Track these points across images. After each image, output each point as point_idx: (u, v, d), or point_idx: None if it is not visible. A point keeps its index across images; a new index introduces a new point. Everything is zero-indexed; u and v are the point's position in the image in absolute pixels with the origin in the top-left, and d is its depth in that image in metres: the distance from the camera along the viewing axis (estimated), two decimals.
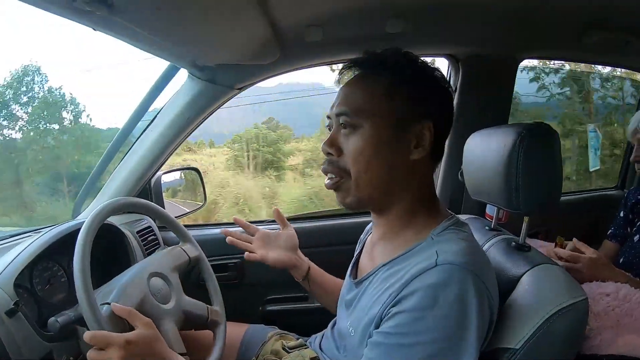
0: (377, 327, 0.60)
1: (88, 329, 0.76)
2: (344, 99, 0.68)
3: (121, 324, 0.70)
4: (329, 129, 0.71)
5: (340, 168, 0.67)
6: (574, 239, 1.06)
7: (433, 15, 1.03)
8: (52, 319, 0.75)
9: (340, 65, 0.74)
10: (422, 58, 0.70)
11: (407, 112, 0.64)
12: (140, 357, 0.64)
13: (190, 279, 1.21)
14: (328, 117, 0.71)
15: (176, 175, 1.43)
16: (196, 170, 1.42)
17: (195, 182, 1.41)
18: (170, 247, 0.96)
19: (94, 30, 0.78)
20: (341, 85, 0.71)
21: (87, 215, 1.18)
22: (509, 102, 1.27)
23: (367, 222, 0.91)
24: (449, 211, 0.71)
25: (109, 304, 0.71)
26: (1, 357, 0.69)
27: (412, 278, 0.57)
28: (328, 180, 0.70)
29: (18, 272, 0.80)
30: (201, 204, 1.40)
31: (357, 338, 0.66)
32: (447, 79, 1.26)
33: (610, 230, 1.32)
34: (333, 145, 0.68)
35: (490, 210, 1.23)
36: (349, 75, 0.72)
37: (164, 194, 1.29)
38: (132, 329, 0.68)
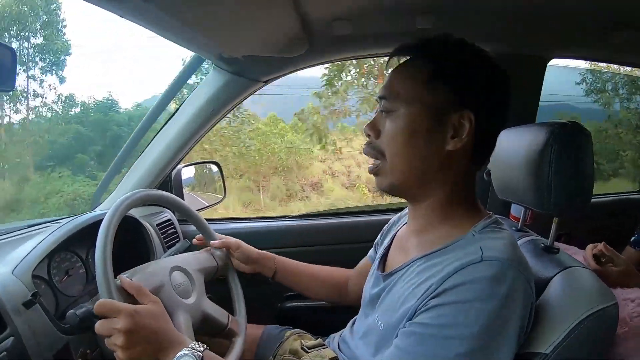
0: (410, 318, 0.59)
1: None
2: (388, 83, 0.67)
3: (131, 300, 0.68)
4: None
5: (377, 149, 0.67)
6: (604, 244, 1.03)
7: (463, 12, 1.00)
8: (71, 311, 0.72)
9: None
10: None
11: (446, 100, 0.62)
12: (145, 330, 0.62)
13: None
14: (375, 99, 0.71)
15: (194, 169, 1.41)
16: (217, 164, 1.41)
17: (215, 175, 1.39)
18: (200, 250, 0.93)
19: (121, 17, 0.75)
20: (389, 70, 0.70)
21: (106, 207, 1.18)
22: (537, 101, 1.24)
23: (382, 221, 0.91)
24: (488, 211, 0.68)
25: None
26: (18, 349, 0.67)
27: (455, 271, 0.55)
28: (370, 165, 0.70)
29: (36, 262, 0.79)
30: (221, 197, 1.38)
31: (389, 332, 0.63)
32: None
33: (634, 237, 1.29)
34: (373, 127, 0.68)
35: (515, 211, 1.20)
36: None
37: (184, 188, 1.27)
38: None
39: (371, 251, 0.94)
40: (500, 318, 0.53)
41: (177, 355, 0.61)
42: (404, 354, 0.57)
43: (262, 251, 0.98)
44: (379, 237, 0.91)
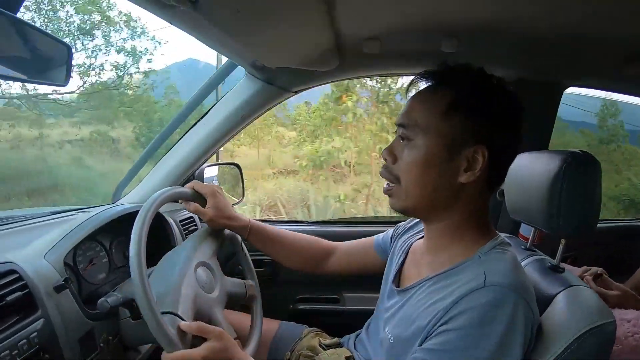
0: (422, 342, 0.60)
1: (130, 312, 0.77)
2: (407, 110, 0.67)
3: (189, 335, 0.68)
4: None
5: (393, 175, 0.68)
6: (602, 273, 1.06)
7: (486, 38, 1.01)
8: (102, 299, 0.74)
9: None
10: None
11: (461, 134, 0.62)
12: None
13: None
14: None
15: (216, 169, 1.43)
16: (237, 165, 1.41)
17: (235, 176, 1.40)
18: (202, 230, 0.92)
19: (170, 23, 0.78)
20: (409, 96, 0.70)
21: (131, 200, 1.20)
22: (551, 128, 1.25)
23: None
24: (496, 231, 0.70)
25: (172, 314, 0.68)
26: (47, 331, 0.68)
27: (461, 297, 0.57)
28: (385, 185, 0.71)
29: (67, 250, 0.80)
30: (239, 199, 1.39)
31: (400, 347, 0.65)
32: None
33: None
34: (391, 153, 0.69)
35: (524, 231, 1.21)
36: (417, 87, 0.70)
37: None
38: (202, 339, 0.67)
39: (381, 240, 0.93)
40: (504, 342, 0.54)
41: None
42: None
43: (240, 218, 0.92)
44: (393, 231, 0.91)
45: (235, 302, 0.89)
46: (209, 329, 0.67)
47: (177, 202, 0.98)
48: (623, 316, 0.92)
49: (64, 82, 0.65)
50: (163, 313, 0.66)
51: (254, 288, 0.93)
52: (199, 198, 0.88)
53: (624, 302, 0.99)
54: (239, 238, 0.96)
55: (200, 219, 1.23)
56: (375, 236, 0.95)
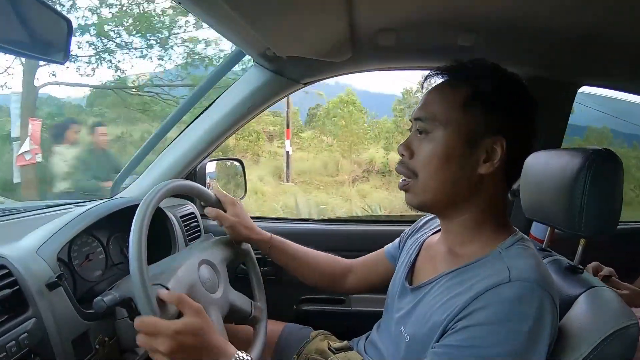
0: (439, 338, 0.59)
1: (128, 312, 0.72)
2: (424, 104, 0.68)
3: (172, 307, 0.65)
4: (410, 131, 0.71)
5: (410, 169, 0.67)
6: (611, 274, 1.07)
7: (503, 34, 1.00)
8: (99, 298, 0.68)
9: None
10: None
11: (480, 126, 0.63)
12: (188, 349, 0.60)
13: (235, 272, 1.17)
14: (410, 120, 0.72)
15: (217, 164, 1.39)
16: (239, 161, 1.39)
17: (237, 172, 1.37)
18: (219, 237, 0.90)
19: (179, 4, 0.74)
20: (424, 91, 0.71)
21: (130, 194, 1.15)
22: (564, 126, 1.24)
23: (398, 231, 0.92)
24: (515, 228, 0.69)
25: (161, 285, 0.67)
26: (39, 331, 0.63)
27: (484, 291, 0.56)
28: (401, 181, 0.70)
29: (62, 245, 0.75)
30: (241, 195, 1.36)
31: (417, 346, 0.63)
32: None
33: None
34: (407, 148, 0.68)
35: (535, 231, 1.19)
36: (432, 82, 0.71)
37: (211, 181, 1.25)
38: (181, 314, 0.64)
39: (390, 247, 0.93)
40: (532, 338, 0.53)
41: None
42: None
43: (261, 233, 0.92)
44: (404, 235, 0.90)
45: (237, 317, 0.85)
46: (188, 302, 0.64)
47: (190, 200, 0.93)
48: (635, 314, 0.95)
49: (63, 60, 0.60)
50: (153, 285, 0.65)
51: (261, 310, 0.89)
52: (217, 204, 0.88)
53: (633, 300, 1.00)
54: (254, 256, 0.94)
55: (202, 215, 1.20)
56: (385, 246, 0.95)
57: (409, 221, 1.25)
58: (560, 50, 1.08)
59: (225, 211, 0.87)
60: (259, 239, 0.91)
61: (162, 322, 0.60)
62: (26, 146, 4.47)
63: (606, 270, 1.08)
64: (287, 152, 7.59)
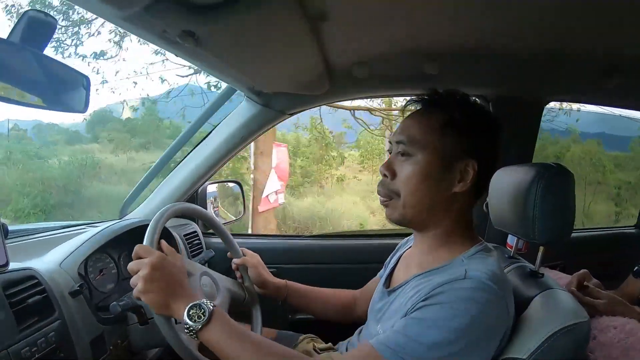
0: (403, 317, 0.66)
1: (138, 318, 0.83)
2: (404, 129, 0.74)
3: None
4: (389, 153, 0.78)
5: (391, 190, 0.73)
6: (587, 285, 1.06)
7: (464, 60, 1.09)
8: (114, 303, 0.80)
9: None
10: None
11: (455, 149, 0.70)
12: (167, 273, 0.68)
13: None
14: (389, 142, 0.78)
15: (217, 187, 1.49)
16: (238, 182, 1.48)
17: (236, 193, 1.47)
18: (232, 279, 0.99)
19: (175, 55, 0.87)
20: (404, 117, 0.78)
21: (137, 215, 1.25)
22: (534, 141, 1.30)
23: (391, 245, 0.97)
24: (480, 238, 0.76)
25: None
26: (63, 332, 0.73)
27: (444, 283, 0.63)
28: (381, 199, 0.76)
29: (80, 261, 0.86)
30: (240, 215, 1.46)
31: None
32: None
33: (636, 268, 1.30)
34: (389, 169, 0.74)
35: (511, 240, 1.24)
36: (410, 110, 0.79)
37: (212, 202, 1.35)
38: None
39: (382, 271, 0.99)
40: (475, 323, 0.59)
41: (191, 304, 0.65)
42: (394, 334, 0.63)
43: (277, 279, 1.01)
44: (388, 258, 0.96)
45: (235, 306, 0.91)
46: (178, 255, 0.76)
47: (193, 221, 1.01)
48: (609, 323, 0.92)
49: (83, 110, 0.74)
50: None
51: (251, 291, 0.98)
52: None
53: (612, 309, 0.99)
54: (259, 309, 1.00)
55: (203, 233, 1.31)
56: (378, 272, 1.01)
57: (402, 234, 1.31)
58: (524, 71, 1.15)
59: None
60: (276, 282, 1.00)
61: (153, 251, 0.70)
62: (273, 184, 3.18)
63: (594, 282, 1.06)
64: None
